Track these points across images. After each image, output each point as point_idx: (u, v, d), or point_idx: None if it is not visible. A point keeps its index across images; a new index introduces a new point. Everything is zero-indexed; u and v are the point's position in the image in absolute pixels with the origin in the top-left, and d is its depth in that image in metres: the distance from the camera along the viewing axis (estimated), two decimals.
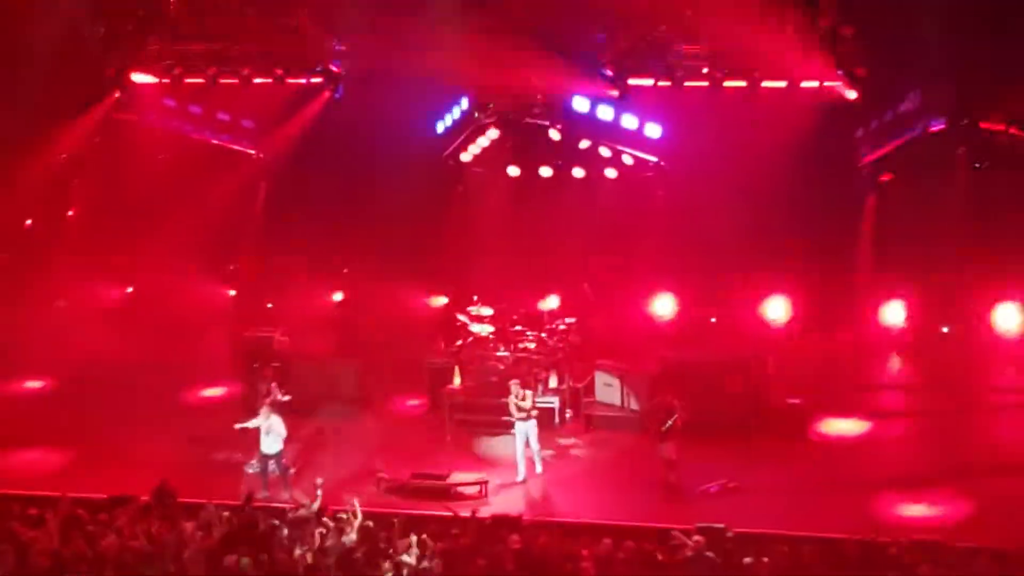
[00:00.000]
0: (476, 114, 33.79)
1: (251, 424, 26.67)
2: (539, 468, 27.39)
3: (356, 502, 22.29)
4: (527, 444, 27.14)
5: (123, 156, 36.07)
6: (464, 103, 33.86)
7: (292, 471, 26.90)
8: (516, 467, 27.13)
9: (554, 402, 29.71)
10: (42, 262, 35.77)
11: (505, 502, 25.45)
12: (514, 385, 27.69)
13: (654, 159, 33.61)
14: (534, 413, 27.35)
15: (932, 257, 31.22)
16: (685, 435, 26.04)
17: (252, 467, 27.38)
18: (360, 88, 33.97)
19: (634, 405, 29.39)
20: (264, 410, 26.82)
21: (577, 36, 31.67)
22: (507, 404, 27.45)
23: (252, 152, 36.46)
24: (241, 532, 21.85)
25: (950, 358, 30.62)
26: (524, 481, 26.97)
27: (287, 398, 27.78)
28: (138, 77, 34.36)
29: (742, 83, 31.45)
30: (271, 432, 26.49)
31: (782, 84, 31.15)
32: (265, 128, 35.59)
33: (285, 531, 21.98)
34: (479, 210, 35.20)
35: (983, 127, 30.60)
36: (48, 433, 29.81)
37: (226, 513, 22.44)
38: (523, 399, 27.34)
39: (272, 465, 26.58)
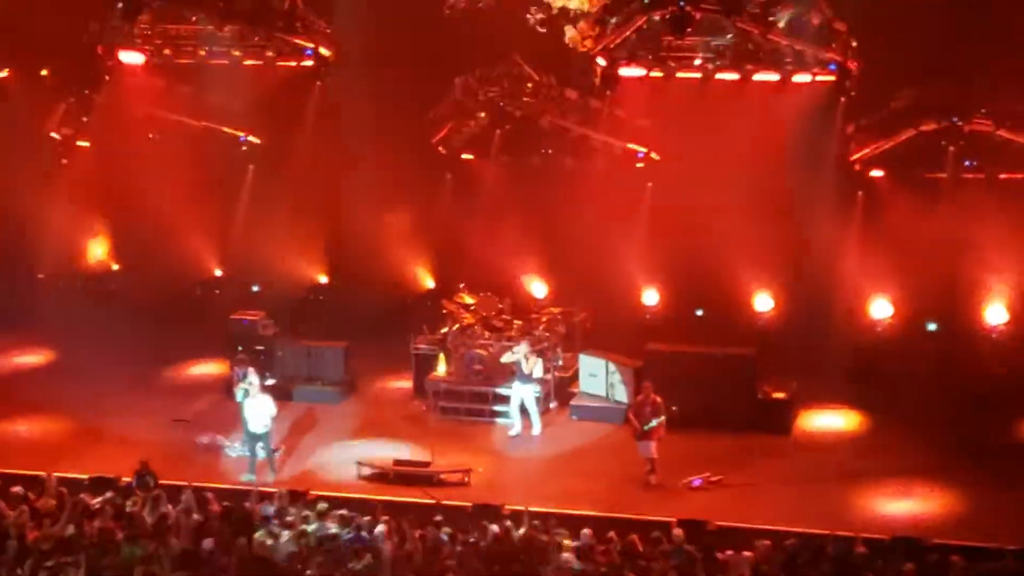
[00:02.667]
0: (466, 101, 33.76)
1: (243, 404, 26.76)
2: (537, 429, 28.18)
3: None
4: (522, 404, 28.32)
5: (111, 136, 35.97)
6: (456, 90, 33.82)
7: (278, 453, 26.89)
8: (501, 450, 27.88)
9: (538, 391, 29.67)
10: (27, 237, 35.64)
11: (486, 491, 25.39)
12: (524, 344, 28.25)
13: (643, 150, 33.63)
14: (536, 377, 28.24)
15: (920, 253, 31.18)
16: (669, 428, 26.04)
17: (234, 450, 27.36)
18: (350, 71, 34.05)
19: (619, 397, 29.31)
20: (252, 388, 26.84)
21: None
22: (511, 359, 28.48)
23: (241, 135, 36.22)
24: (221, 516, 21.87)
25: (937, 353, 30.58)
26: (519, 435, 28.14)
27: (271, 382, 27.65)
28: (127, 56, 34.22)
29: (734, 75, 31.45)
30: (259, 411, 26.48)
31: (774, 77, 31.16)
32: (254, 110, 35.35)
33: (270, 515, 21.99)
34: (467, 197, 35.11)
35: (974, 127, 30.57)
36: (30, 409, 29.83)
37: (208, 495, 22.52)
38: (528, 360, 28.21)
39: (259, 447, 26.56)
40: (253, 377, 27.61)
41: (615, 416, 28.75)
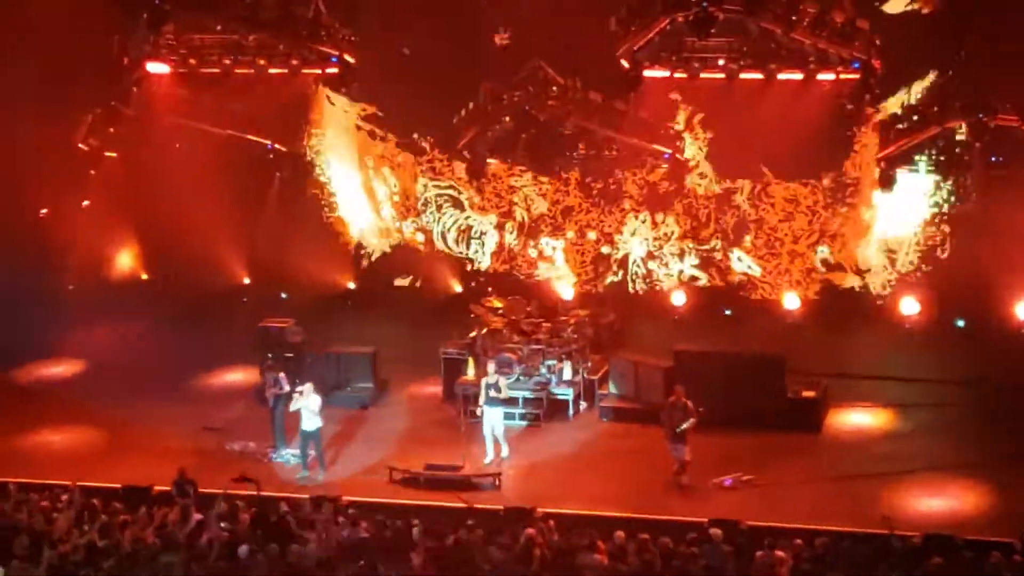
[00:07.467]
0: (490, 107, 33.88)
1: (296, 407, 26.88)
2: (505, 452, 27.40)
3: None
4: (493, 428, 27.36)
5: (138, 147, 36.09)
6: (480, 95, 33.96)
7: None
8: (532, 453, 27.67)
9: (568, 393, 29.68)
10: (56, 248, 35.81)
11: (518, 493, 25.40)
12: (491, 365, 27.84)
13: (668, 151, 33.63)
14: (502, 397, 27.41)
15: (948, 250, 31.18)
16: (699, 429, 25.97)
17: (280, 456, 27.49)
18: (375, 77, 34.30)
19: (648, 398, 29.25)
20: (306, 388, 26.96)
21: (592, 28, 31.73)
22: (481, 385, 27.50)
23: (268, 143, 36.30)
24: (254, 523, 21.92)
25: (965, 351, 30.52)
26: (492, 463, 27.11)
27: (300, 389, 27.64)
28: (153, 67, 34.45)
29: (758, 75, 31.53)
30: (309, 409, 26.72)
31: (798, 76, 31.24)
32: (280, 118, 35.50)
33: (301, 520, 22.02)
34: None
35: (999, 122, 30.44)
36: (60, 420, 29.95)
37: (239, 504, 22.54)
38: (496, 384, 27.35)
39: (311, 445, 26.80)
40: (285, 384, 27.71)
41: (645, 417, 28.48)
